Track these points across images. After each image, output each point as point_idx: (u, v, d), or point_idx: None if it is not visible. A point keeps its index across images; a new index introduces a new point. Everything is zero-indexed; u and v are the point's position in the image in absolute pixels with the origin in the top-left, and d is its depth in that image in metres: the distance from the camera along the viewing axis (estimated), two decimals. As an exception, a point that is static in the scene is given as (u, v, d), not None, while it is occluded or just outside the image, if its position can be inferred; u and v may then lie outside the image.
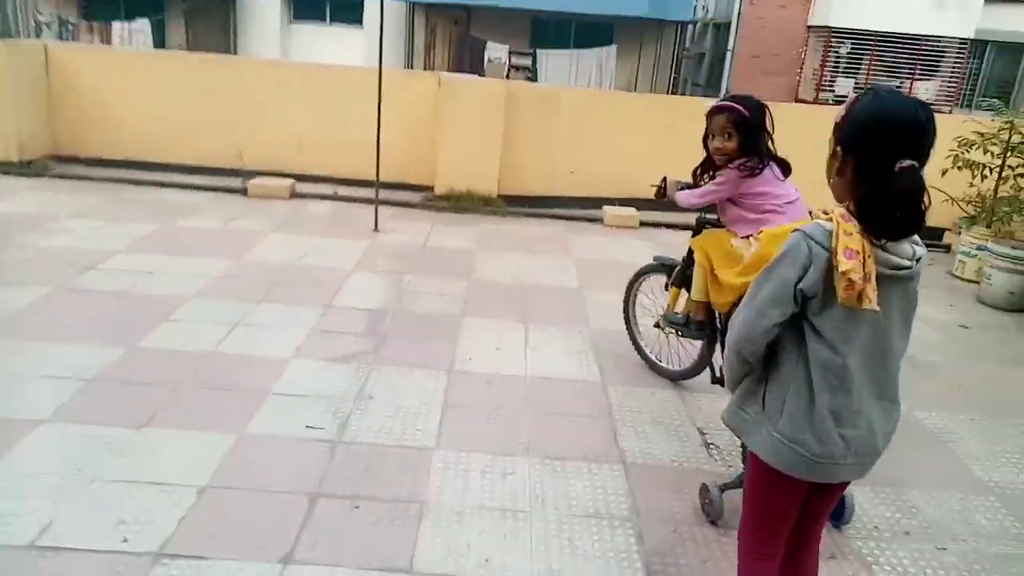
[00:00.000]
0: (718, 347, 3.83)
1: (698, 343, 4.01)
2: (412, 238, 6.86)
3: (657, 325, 4.26)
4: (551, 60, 17.53)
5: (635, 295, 4.57)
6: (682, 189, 3.75)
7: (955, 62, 18.76)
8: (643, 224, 7.87)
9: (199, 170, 8.33)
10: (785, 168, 3.46)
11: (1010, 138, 6.81)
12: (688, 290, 3.89)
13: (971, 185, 7.25)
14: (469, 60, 17.53)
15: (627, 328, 4.64)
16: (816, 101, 18.63)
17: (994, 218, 6.91)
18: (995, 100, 7.79)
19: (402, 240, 6.76)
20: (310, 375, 4.07)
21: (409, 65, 18.34)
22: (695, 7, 19.14)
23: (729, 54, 19.66)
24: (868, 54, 18.80)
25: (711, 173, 3.60)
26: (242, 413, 3.63)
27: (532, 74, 17.57)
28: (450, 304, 5.29)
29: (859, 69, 19.15)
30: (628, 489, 3.31)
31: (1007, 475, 3.73)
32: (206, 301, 4.95)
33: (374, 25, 18.28)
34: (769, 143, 3.43)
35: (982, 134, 6.95)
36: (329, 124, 8.37)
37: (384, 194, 7.67)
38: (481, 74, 17.40)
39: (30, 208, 6.74)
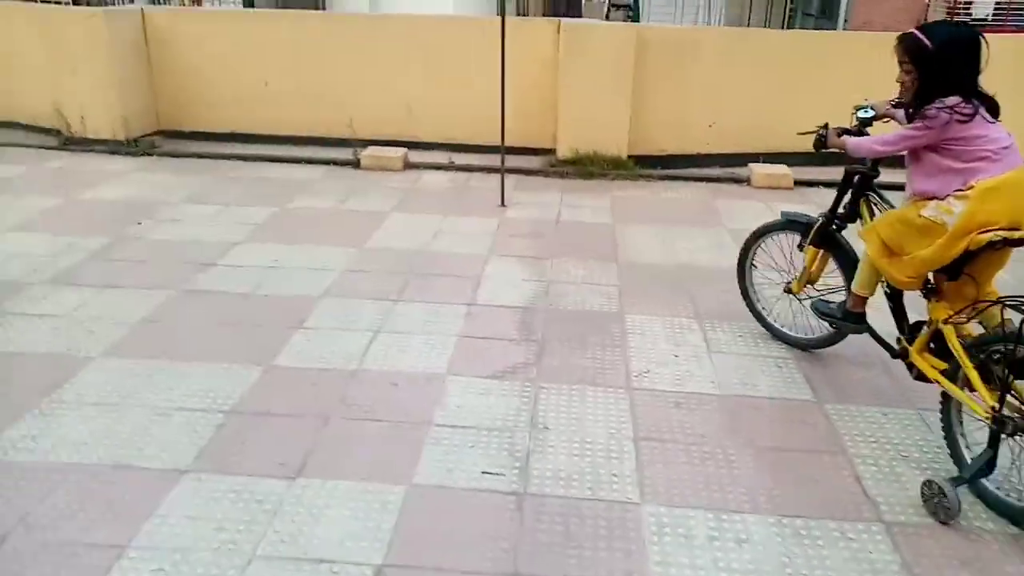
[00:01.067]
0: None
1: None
2: (542, 212, 6.17)
3: (788, 290, 3.90)
4: (654, -2, 16.29)
5: (753, 256, 4.10)
6: (843, 134, 3.32)
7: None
8: (798, 183, 6.94)
9: (307, 140, 7.83)
10: (994, 109, 2.89)
11: None
12: (834, 253, 3.63)
13: None
14: (565, 2, 16.46)
15: (744, 295, 4.19)
16: (948, 25, 16.79)
17: None
18: None
19: (532, 216, 6.08)
20: (472, 398, 3.49)
21: (501, 12, 17.41)
22: (810, -73, 17.33)
23: (848, -23, 17.87)
24: (1011, -32, 16.72)
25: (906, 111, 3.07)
26: (406, 454, 3.08)
27: (634, 13, 16.40)
28: (605, 297, 4.61)
29: (999, -14, 17.11)
30: (902, 562, 2.61)
31: None
32: (337, 303, 4.42)
33: (463, -30, 17.44)
34: (976, 80, 2.86)
35: None
36: (439, 83, 7.69)
37: (494, 159, 7.02)
38: (578, 15, 16.34)
39: (140, 192, 6.37)
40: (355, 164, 7.31)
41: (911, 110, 3.01)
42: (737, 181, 7.13)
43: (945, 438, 3.03)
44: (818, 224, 3.62)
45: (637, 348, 4.01)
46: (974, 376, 2.79)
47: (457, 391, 3.55)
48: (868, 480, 3.02)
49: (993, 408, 2.70)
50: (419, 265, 5.00)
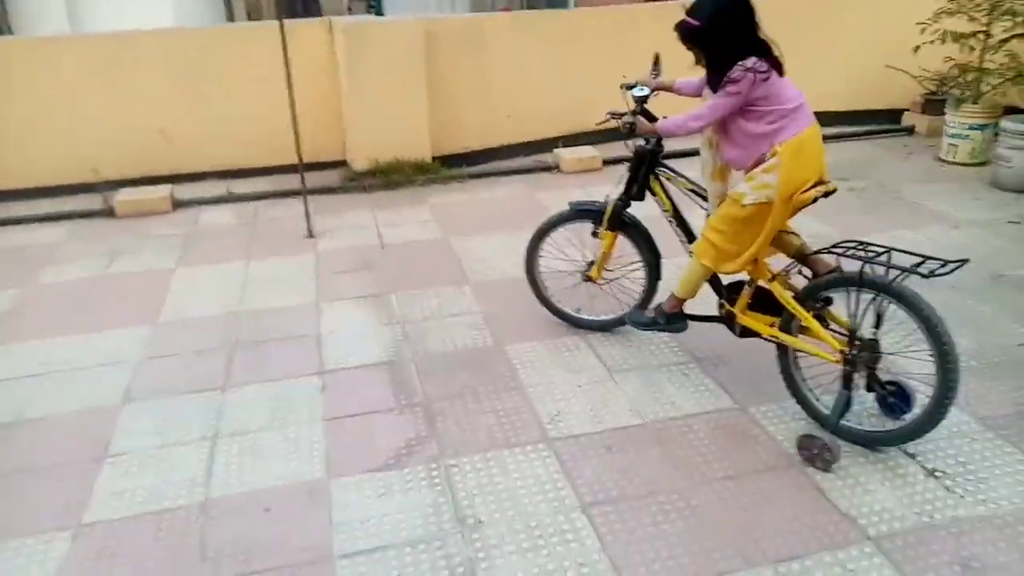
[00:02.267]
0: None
1: (637, 284, 3.75)
2: (361, 237, 5.41)
3: (588, 278, 3.81)
4: (395, -17, 15.61)
5: (540, 251, 3.90)
6: (636, 116, 3.26)
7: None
8: (605, 162, 6.76)
9: (41, 192, 6.34)
10: (779, 66, 2.91)
11: (995, 3, 6.19)
12: (629, 234, 3.62)
13: (950, 60, 6.67)
14: (302, 2, 15.30)
15: (537, 294, 4.01)
16: (667, -11, 17.95)
17: (982, 92, 6.36)
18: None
19: (351, 243, 5.30)
20: (372, 505, 2.76)
21: (228, 8, 15.83)
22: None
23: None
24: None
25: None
26: (317, 614, 2.32)
27: (376, 5, 15.62)
28: (473, 329, 4.03)
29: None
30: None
31: None
32: (148, 408, 3.42)
33: (177, -27, 15.56)
34: (758, 34, 2.88)
35: (960, 1, 6.30)
36: (200, 102, 6.56)
37: (291, 181, 6.14)
38: (317, 10, 15.29)
39: None
40: (108, 213, 6.01)
41: (712, 84, 2.99)
42: (547, 169, 6.81)
43: (790, 390, 3.12)
44: (612, 208, 3.56)
45: (535, 386, 3.48)
46: (814, 325, 2.95)
47: (350, 500, 2.80)
48: (833, 493, 2.75)
49: (842, 351, 2.87)
50: (238, 333, 4.08)
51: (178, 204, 6.18)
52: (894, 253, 2.72)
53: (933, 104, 7.19)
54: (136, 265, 5.05)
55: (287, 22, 5.36)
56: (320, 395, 3.48)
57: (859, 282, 2.76)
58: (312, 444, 3.11)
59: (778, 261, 3.14)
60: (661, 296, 3.55)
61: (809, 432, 2.91)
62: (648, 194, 3.51)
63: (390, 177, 6.51)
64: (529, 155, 7.10)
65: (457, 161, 6.87)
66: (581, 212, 3.73)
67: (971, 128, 6.34)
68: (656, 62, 3.47)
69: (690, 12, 2.92)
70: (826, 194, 2.92)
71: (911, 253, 2.70)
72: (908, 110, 7.55)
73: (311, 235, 5.42)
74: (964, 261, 2.63)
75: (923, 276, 2.61)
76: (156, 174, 6.51)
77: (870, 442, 2.95)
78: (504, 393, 3.44)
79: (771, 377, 3.18)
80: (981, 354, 3.57)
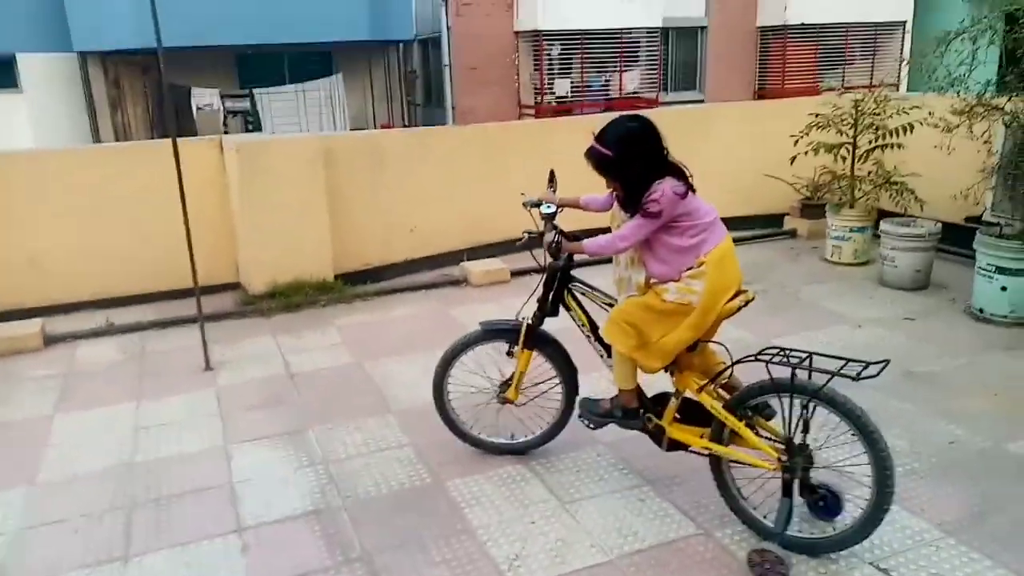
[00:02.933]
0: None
1: (554, 400, 3.61)
2: (265, 368, 5.01)
3: (505, 400, 3.61)
4: (274, 100, 15.55)
5: (449, 377, 3.68)
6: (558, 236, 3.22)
7: (650, 50, 20.05)
8: (514, 275, 6.71)
9: None
10: (690, 184, 3.00)
11: (857, 118, 6.76)
12: (546, 351, 3.52)
13: (823, 169, 7.17)
14: (175, 111, 14.90)
15: (447, 421, 3.75)
16: (539, 105, 18.82)
17: (856, 198, 6.84)
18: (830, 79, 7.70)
19: (255, 375, 4.89)
20: None
21: (95, 129, 15.17)
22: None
23: (447, 69, 19.10)
24: (578, 53, 19.36)
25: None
26: None
27: (253, 117, 15.44)
28: (406, 465, 3.73)
29: (571, 68, 19.69)
30: None
31: None
32: (33, 591, 2.88)
33: (36, 87, 14.94)
34: (667, 156, 3.00)
35: (828, 116, 6.84)
36: (74, 226, 6.05)
37: (178, 307, 5.72)
38: (191, 127, 14.96)
39: None
40: (-32, 353, 5.33)
41: (628, 206, 3.04)
42: (455, 283, 6.67)
43: (727, 503, 3.08)
44: (526, 327, 3.47)
45: (485, 527, 3.19)
46: (748, 434, 2.92)
47: None
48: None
49: (780, 459, 2.85)
50: (135, 489, 3.58)
51: (51, 340, 5.56)
52: (815, 357, 2.74)
53: (810, 208, 7.68)
54: (7, 414, 4.43)
55: (182, 141, 5.09)
56: (241, 558, 3.05)
57: (791, 388, 2.76)
58: (241, 622, 2.69)
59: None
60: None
61: (758, 547, 2.84)
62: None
63: (290, 299, 6.16)
64: (434, 269, 6.96)
65: (360, 278, 6.63)
66: (493, 332, 3.61)
67: (851, 231, 6.75)
68: (552, 178, 3.53)
69: (599, 139, 2.98)
70: (746, 303, 3.00)
71: (832, 356, 2.72)
72: (788, 214, 8.02)
73: (209, 367, 4.97)
74: (886, 362, 2.65)
75: (852, 379, 2.63)
76: (23, 307, 5.88)
77: (816, 550, 2.90)
78: (453, 538, 3.13)
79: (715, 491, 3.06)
80: (917, 455, 3.61)
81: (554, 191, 3.48)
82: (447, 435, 3.80)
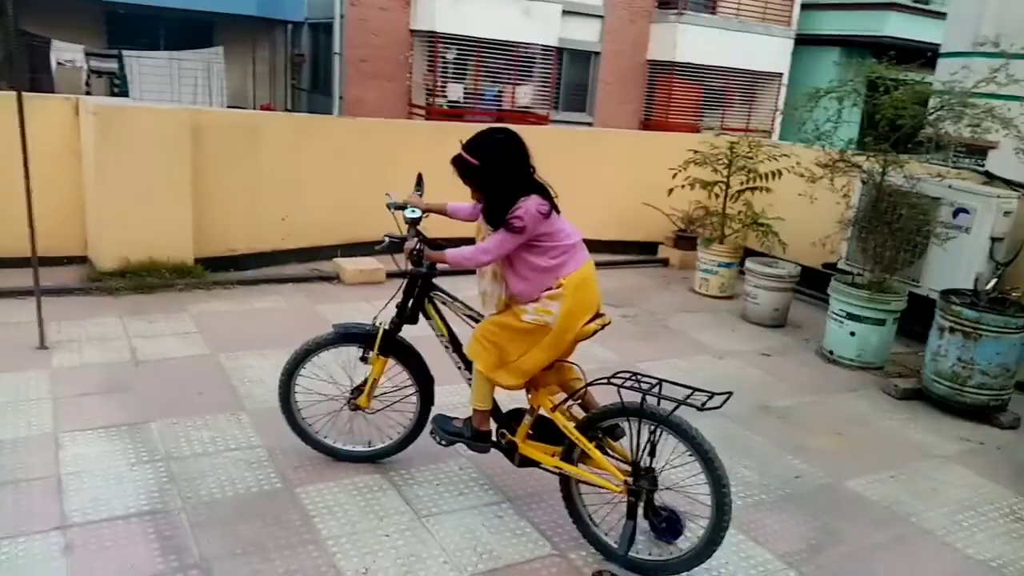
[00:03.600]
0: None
1: (407, 408, 3.53)
2: (108, 351, 4.61)
3: (356, 407, 3.50)
4: (145, 65, 14.57)
5: (297, 379, 3.53)
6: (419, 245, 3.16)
7: (544, 68, 20.35)
8: (390, 276, 6.55)
9: None
10: (555, 204, 3.03)
11: (732, 159, 7.09)
12: (401, 358, 3.44)
13: (698, 203, 7.47)
14: (29, 64, 13.65)
15: (293, 425, 3.58)
16: (430, 107, 18.66)
17: (726, 234, 7.16)
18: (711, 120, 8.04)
19: (96, 358, 4.49)
20: None
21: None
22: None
23: (337, 57, 18.59)
24: (473, 60, 19.36)
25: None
26: None
27: (120, 81, 14.40)
28: (256, 467, 3.52)
29: (465, 74, 19.66)
30: None
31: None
32: None
33: None
34: (533, 175, 3.02)
35: (706, 154, 7.14)
36: None
37: (13, 277, 5.23)
38: (48, 82, 13.77)
39: None
40: None
41: (490, 219, 3.03)
42: (327, 279, 6.44)
43: (574, 521, 3.14)
44: (383, 333, 3.39)
45: (335, 538, 3.05)
46: (597, 455, 2.97)
47: None
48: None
49: (626, 481, 2.90)
50: (-59, 476, 3.18)
51: None
52: (665, 384, 2.82)
53: (683, 240, 7.98)
54: None
55: (29, 96, 4.63)
56: (62, 559, 2.76)
57: (640, 413, 2.83)
58: (51, 633, 2.42)
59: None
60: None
61: (600, 568, 2.92)
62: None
63: (143, 279, 5.74)
64: (305, 262, 6.70)
65: (224, 264, 6.27)
66: (346, 336, 3.49)
67: (719, 265, 7.06)
68: (419, 182, 3.48)
69: (467, 148, 2.98)
70: (603, 326, 3.06)
71: (680, 385, 2.80)
72: (662, 243, 8.29)
73: (43, 346, 4.53)
74: (729, 394, 2.75)
75: (697, 408, 2.73)
76: None
77: (657, 571, 2.97)
78: (300, 548, 2.97)
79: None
80: (765, 487, 3.77)
81: (420, 195, 3.41)
82: (296, 437, 3.61)
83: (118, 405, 3.95)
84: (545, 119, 18.17)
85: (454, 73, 19.29)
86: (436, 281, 3.40)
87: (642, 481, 2.90)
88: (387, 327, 3.38)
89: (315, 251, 6.79)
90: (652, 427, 2.83)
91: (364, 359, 3.45)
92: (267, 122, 6.81)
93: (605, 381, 2.88)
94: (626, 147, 8.40)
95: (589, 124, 18.81)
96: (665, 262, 8.16)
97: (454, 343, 3.36)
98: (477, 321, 3.25)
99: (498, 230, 2.94)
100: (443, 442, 3.34)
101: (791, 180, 6.43)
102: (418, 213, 3.31)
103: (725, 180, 7.19)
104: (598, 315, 3.06)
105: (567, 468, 3.06)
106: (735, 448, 4.06)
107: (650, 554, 3.05)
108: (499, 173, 2.95)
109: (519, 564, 3.01)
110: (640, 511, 2.94)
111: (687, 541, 3.00)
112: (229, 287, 5.99)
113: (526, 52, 19.72)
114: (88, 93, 12.83)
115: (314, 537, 3.05)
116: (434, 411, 3.51)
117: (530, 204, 2.88)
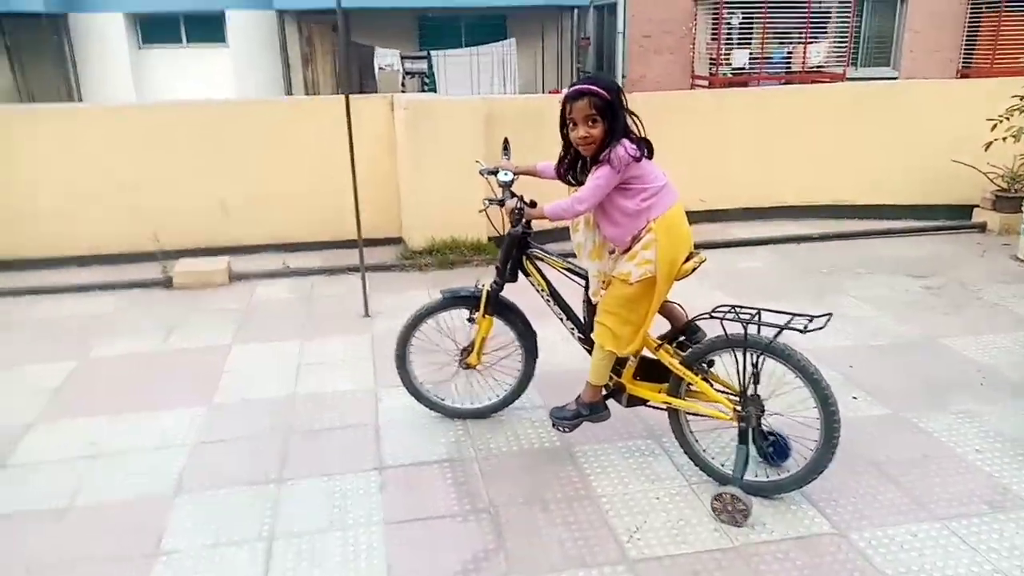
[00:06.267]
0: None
1: (515, 365, 3.76)
2: (417, 318, 5.27)
3: (467, 365, 3.74)
4: (449, 62, 16.04)
5: (411, 342, 3.80)
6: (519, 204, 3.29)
7: (840, 22, 18.75)
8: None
9: (97, 260, 6.38)
10: (650, 146, 3.07)
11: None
12: (506, 318, 3.62)
13: (1021, 156, 6.48)
14: (358, 70, 15.74)
15: (411, 389, 3.87)
16: (713, 76, 18.14)
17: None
18: None
19: (408, 325, 5.17)
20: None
21: (288, 83, 16.34)
22: (583, -10, 18.04)
23: (621, 36, 18.81)
24: (760, 23, 18.42)
25: (582, 166, 3.16)
26: None
27: (430, 79, 16.01)
28: (540, 425, 3.82)
29: (751, 39, 18.79)
30: None
31: None
32: (202, 500, 3.25)
33: (239, 41, 16.22)
34: (632, 122, 3.06)
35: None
36: (257, 175, 6.63)
37: (346, 256, 6.10)
38: (373, 85, 15.71)
39: None
40: (166, 284, 5.98)
41: (571, 164, 3.19)
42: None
43: (687, 454, 3.33)
44: (488, 293, 3.55)
45: (608, 497, 3.24)
46: (705, 387, 3.14)
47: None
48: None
49: (735, 409, 3.06)
50: (294, 419, 3.92)
51: (235, 277, 6.14)
52: (763, 312, 2.94)
53: (1005, 201, 6.97)
54: (193, 340, 4.96)
55: (355, 98, 5.40)
56: (379, 494, 3.28)
57: (744, 343, 2.95)
58: (372, 553, 2.90)
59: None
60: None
61: (720, 491, 3.04)
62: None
63: (446, 256, 6.43)
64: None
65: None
66: (455, 299, 3.68)
67: (1056, 228, 6.10)
68: (506, 147, 3.61)
69: (591, 82, 3.00)
70: (700, 263, 3.12)
71: (779, 312, 2.92)
72: (978, 206, 7.33)
73: (367, 314, 5.31)
74: (829, 315, 2.86)
75: (800, 332, 2.83)
76: (213, 246, 6.52)
77: (772, 490, 3.15)
78: (576, 504, 3.20)
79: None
80: (1099, 483, 3.25)
81: (509, 159, 3.55)
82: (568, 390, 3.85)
83: (427, 366, 4.51)
84: (840, 77, 16.74)
85: (739, 38, 18.53)
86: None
87: (750, 408, 3.04)
88: (489, 288, 3.54)
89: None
90: (756, 355, 2.95)
91: (471, 320, 3.65)
92: (549, 104, 7.17)
93: (707, 316, 3.04)
94: (930, 98, 7.50)
95: (894, 79, 16.96)
96: (982, 227, 7.18)
97: (555, 297, 3.51)
98: (577, 274, 3.38)
99: (591, 176, 3.01)
100: (567, 430, 3.43)
101: None
102: (510, 176, 3.46)
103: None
104: (692, 254, 3.11)
105: (676, 403, 3.22)
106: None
107: (756, 476, 3.19)
108: (620, 109, 2.98)
109: (793, 539, 2.96)
110: (751, 437, 3.09)
111: (795, 462, 3.15)
112: (518, 263, 6.47)
113: (819, 6, 18.29)
114: (403, 92, 14.46)
115: (589, 493, 3.26)
116: (538, 365, 3.71)
117: (621, 148, 2.93)
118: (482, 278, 3.72)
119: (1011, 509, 3.08)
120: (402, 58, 16.14)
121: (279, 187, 6.65)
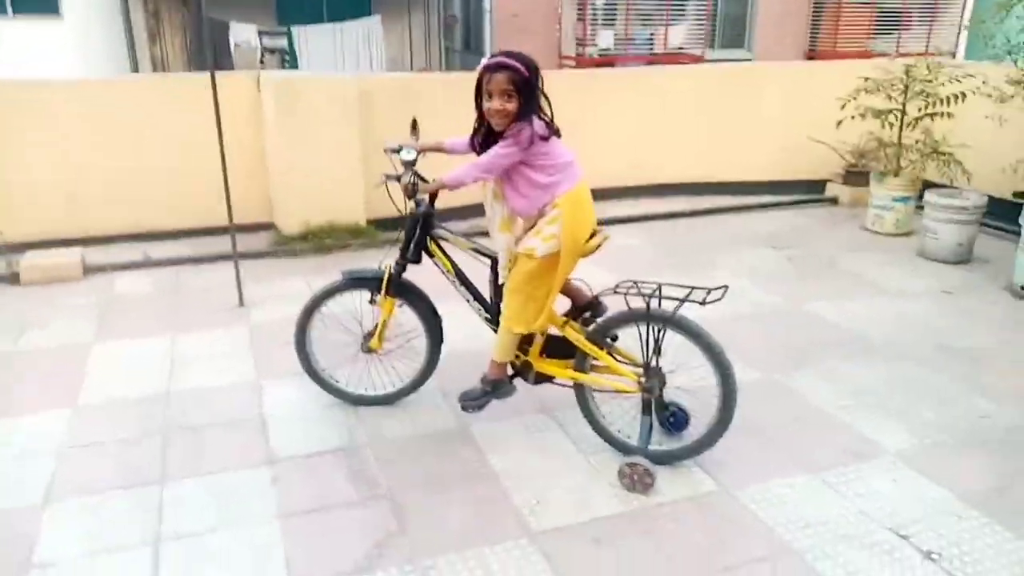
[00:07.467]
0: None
1: (419, 352, 3.69)
2: (297, 306, 4.95)
3: (369, 350, 3.66)
4: (311, 38, 15.45)
5: (311, 325, 3.72)
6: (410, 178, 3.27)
7: (699, 4, 19.54)
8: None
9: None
10: (555, 128, 3.12)
11: (908, 84, 6.57)
12: (408, 299, 3.58)
13: (870, 135, 7.00)
14: (212, 46, 14.87)
15: (311, 372, 3.79)
16: (580, 57, 18.48)
17: (902, 167, 6.69)
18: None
19: (286, 313, 4.82)
20: (346, 620, 2.47)
21: (133, 60, 15.21)
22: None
23: (488, 15, 18.78)
24: (623, 4, 18.90)
25: (495, 139, 3.10)
26: None
27: (290, 57, 15.38)
28: (434, 409, 3.79)
29: (615, 21, 19.26)
30: None
31: None
32: (77, 507, 3.01)
33: (76, 13, 14.93)
34: (543, 103, 3.08)
35: (878, 80, 6.66)
36: (111, 158, 6.14)
37: (213, 244, 5.81)
38: (228, 63, 14.92)
39: None
40: (11, 279, 5.46)
41: (479, 138, 3.17)
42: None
43: (592, 427, 3.40)
44: (390, 274, 3.51)
45: (504, 471, 3.27)
46: (611, 361, 3.25)
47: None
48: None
49: (639, 382, 3.18)
50: (171, 417, 3.69)
51: (90, 269, 5.69)
52: (663, 287, 3.05)
53: (854, 175, 7.53)
54: (49, 339, 4.56)
55: (220, 74, 5.11)
56: (271, 489, 3.15)
57: (647, 317, 3.07)
58: (270, 549, 2.78)
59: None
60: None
61: (627, 461, 3.13)
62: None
63: (322, 241, 6.23)
64: (465, 219, 6.96)
65: (393, 225, 6.63)
66: (355, 281, 3.63)
67: (895, 200, 6.62)
68: (414, 126, 3.57)
69: (512, 57, 2.99)
70: (603, 240, 3.17)
71: (679, 286, 3.02)
72: (830, 180, 7.86)
73: (242, 304, 5.07)
74: (725, 287, 2.99)
75: (699, 304, 2.98)
76: (60, 237, 6.01)
77: (668, 459, 3.28)
78: (477, 483, 3.21)
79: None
80: (947, 428, 3.59)
81: (416, 139, 3.51)
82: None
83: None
84: (700, 59, 17.44)
85: (604, 19, 18.96)
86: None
87: (654, 380, 3.16)
88: (392, 269, 3.51)
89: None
90: (658, 328, 3.08)
91: (372, 302, 3.59)
92: (423, 83, 7.08)
93: (611, 292, 3.14)
94: (786, 80, 7.98)
95: (748, 60, 17.87)
96: (834, 200, 7.74)
97: (461, 278, 3.50)
98: (482, 253, 3.38)
99: (496, 146, 3.02)
100: (475, 411, 3.42)
101: (976, 103, 5.91)
102: (413, 154, 3.40)
103: (901, 107, 6.69)
104: (595, 232, 3.14)
105: (583, 378, 3.30)
106: (914, 389, 3.90)
107: (660, 444, 3.32)
108: (534, 88, 2.98)
109: (685, 500, 3.09)
110: (654, 407, 3.22)
111: (695, 430, 3.30)
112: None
113: (678, -9, 18.94)
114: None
115: (488, 471, 3.27)
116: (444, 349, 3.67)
117: (528, 127, 2.95)
118: (382, 261, 3.58)
119: (872, 457, 3.36)
120: (260, 34, 15.40)
121: (138, 173, 6.20)
